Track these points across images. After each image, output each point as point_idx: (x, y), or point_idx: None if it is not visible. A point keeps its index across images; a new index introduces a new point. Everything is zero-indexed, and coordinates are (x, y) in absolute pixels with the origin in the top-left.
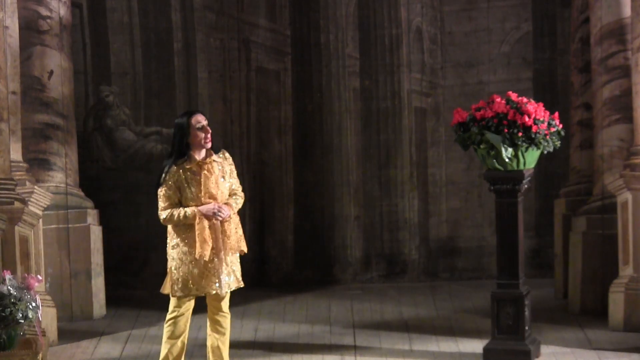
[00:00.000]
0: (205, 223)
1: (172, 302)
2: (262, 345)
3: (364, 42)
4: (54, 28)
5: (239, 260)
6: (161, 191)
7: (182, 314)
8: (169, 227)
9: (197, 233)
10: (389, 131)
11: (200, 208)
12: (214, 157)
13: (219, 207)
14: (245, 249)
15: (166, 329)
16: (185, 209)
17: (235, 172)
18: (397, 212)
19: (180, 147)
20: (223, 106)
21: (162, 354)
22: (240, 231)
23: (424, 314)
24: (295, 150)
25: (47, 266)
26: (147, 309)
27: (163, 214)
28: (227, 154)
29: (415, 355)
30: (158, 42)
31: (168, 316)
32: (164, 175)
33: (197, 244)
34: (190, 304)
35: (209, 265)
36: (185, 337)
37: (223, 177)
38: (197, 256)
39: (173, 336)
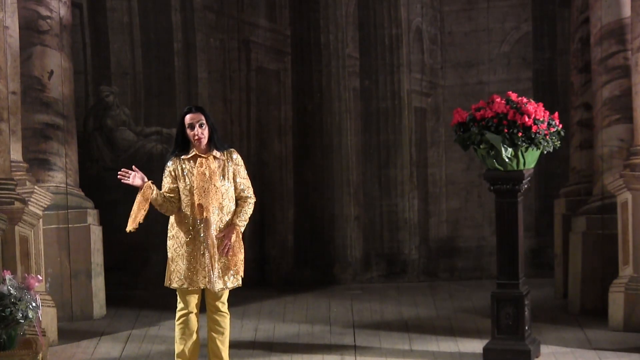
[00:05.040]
0: (138, 199)
1: (178, 296)
2: (262, 345)
3: (364, 42)
4: (54, 28)
5: (232, 271)
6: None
7: (191, 312)
8: (170, 218)
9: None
10: (389, 131)
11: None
12: (215, 153)
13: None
14: (241, 273)
15: (178, 327)
16: None
17: (244, 173)
18: (397, 212)
19: (179, 140)
20: (223, 106)
21: (178, 350)
22: (242, 256)
23: (424, 314)
24: (295, 150)
25: (47, 266)
26: (147, 309)
27: None
28: (234, 155)
29: (415, 355)
30: (158, 42)
31: (177, 313)
32: (166, 165)
33: (129, 220)
34: (195, 298)
35: (200, 259)
36: (197, 333)
37: (223, 176)
38: (127, 229)
39: (187, 333)
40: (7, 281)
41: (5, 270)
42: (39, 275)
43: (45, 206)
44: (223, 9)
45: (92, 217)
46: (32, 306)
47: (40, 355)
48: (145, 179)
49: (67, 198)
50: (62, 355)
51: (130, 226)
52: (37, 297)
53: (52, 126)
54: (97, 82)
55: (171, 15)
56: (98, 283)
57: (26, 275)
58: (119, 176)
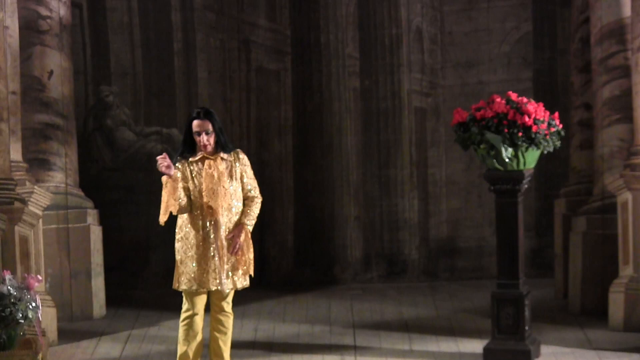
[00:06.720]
0: (167, 188)
1: (184, 297)
2: (262, 345)
3: (364, 42)
4: (54, 28)
5: (241, 271)
6: None
7: (197, 314)
8: (177, 220)
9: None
10: (389, 131)
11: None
12: (222, 154)
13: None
14: (251, 272)
15: (182, 328)
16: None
17: (250, 173)
18: (397, 212)
19: (187, 142)
20: (223, 106)
21: (181, 351)
22: (251, 255)
23: (424, 314)
24: (295, 150)
25: (47, 266)
26: (147, 309)
27: None
28: (241, 155)
29: (415, 355)
30: (158, 42)
31: (182, 315)
32: (175, 166)
33: (161, 211)
34: (202, 299)
35: (210, 261)
36: (201, 334)
37: (231, 176)
38: (160, 221)
39: (191, 335)
40: (7, 281)
41: (5, 270)
42: (38, 275)
43: (45, 206)
44: (223, 9)
45: (92, 217)
46: (32, 306)
47: (40, 355)
48: (172, 167)
49: (67, 198)
50: (62, 355)
51: (163, 218)
52: (37, 297)
53: (52, 126)
54: (97, 82)
55: (171, 15)
56: (98, 283)
57: (26, 275)
58: (159, 160)
